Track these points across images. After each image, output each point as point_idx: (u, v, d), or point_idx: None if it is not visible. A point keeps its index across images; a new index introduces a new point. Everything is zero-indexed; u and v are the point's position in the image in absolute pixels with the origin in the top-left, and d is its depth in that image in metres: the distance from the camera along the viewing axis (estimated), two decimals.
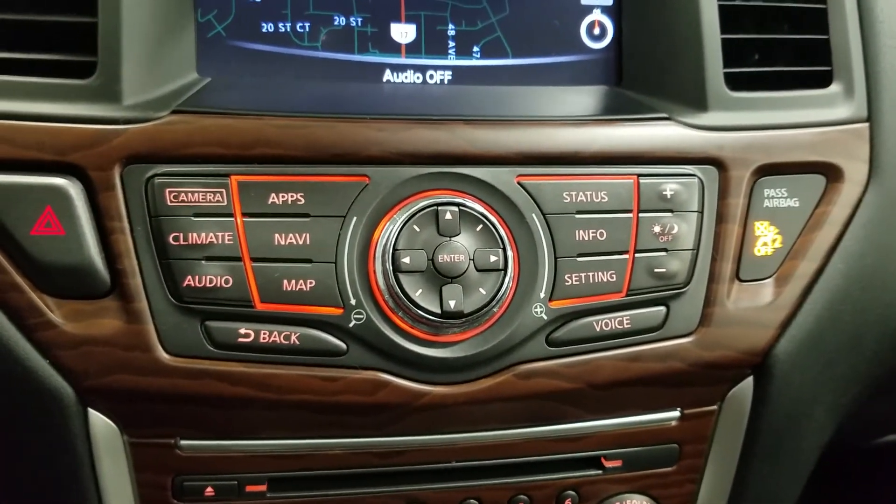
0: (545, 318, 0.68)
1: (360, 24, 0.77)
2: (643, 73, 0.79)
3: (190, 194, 0.63)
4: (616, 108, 0.76)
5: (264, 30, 0.76)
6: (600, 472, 0.75)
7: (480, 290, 0.66)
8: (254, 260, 0.63)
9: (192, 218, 0.62)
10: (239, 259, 0.63)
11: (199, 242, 0.62)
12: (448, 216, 0.66)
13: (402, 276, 0.64)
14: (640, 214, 0.70)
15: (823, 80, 0.77)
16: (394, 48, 0.79)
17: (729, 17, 0.75)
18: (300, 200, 0.64)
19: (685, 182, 0.71)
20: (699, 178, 0.72)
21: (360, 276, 0.65)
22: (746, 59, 0.77)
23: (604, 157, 0.70)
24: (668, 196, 0.71)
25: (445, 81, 0.79)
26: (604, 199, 0.69)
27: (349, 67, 0.77)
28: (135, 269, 0.62)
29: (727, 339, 0.72)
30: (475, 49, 0.80)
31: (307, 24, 0.76)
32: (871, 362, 0.81)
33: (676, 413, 0.75)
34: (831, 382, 0.79)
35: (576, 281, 0.68)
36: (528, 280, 0.67)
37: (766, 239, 0.75)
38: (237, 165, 0.64)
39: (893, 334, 0.80)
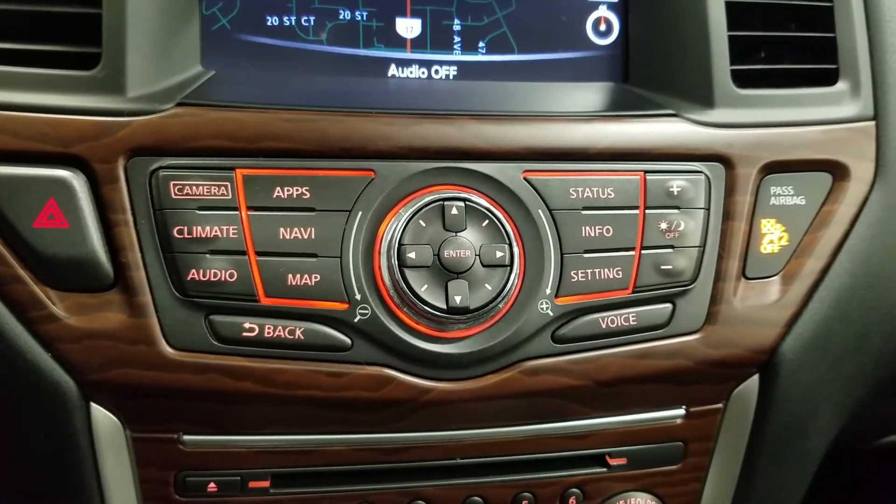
0: (551, 314, 0.67)
1: (365, 18, 0.77)
2: (650, 69, 0.79)
3: (194, 187, 0.62)
4: (623, 105, 0.76)
5: (269, 23, 0.75)
6: (605, 469, 0.74)
7: (486, 285, 0.65)
8: (258, 254, 0.62)
9: (197, 211, 0.62)
10: (244, 253, 0.62)
11: (203, 236, 0.62)
12: (454, 211, 0.65)
13: (407, 272, 0.64)
14: (647, 211, 0.69)
15: (830, 78, 0.77)
16: (399, 43, 0.78)
17: (736, 15, 0.74)
18: (305, 194, 0.64)
19: (692, 179, 0.71)
20: (706, 174, 0.71)
21: (365, 271, 0.64)
22: (753, 56, 0.77)
23: (610, 153, 0.70)
24: (675, 193, 0.70)
25: (451, 77, 0.79)
26: (610, 195, 0.69)
27: (354, 62, 0.77)
28: (138, 262, 0.61)
29: (733, 337, 0.71)
30: (481, 44, 0.79)
31: (312, 18, 0.76)
32: (877, 362, 0.81)
33: (682, 411, 0.74)
34: (837, 382, 0.79)
35: (582, 277, 0.68)
36: (534, 276, 0.67)
37: (773, 237, 0.75)
38: (242, 159, 0.63)
39: None
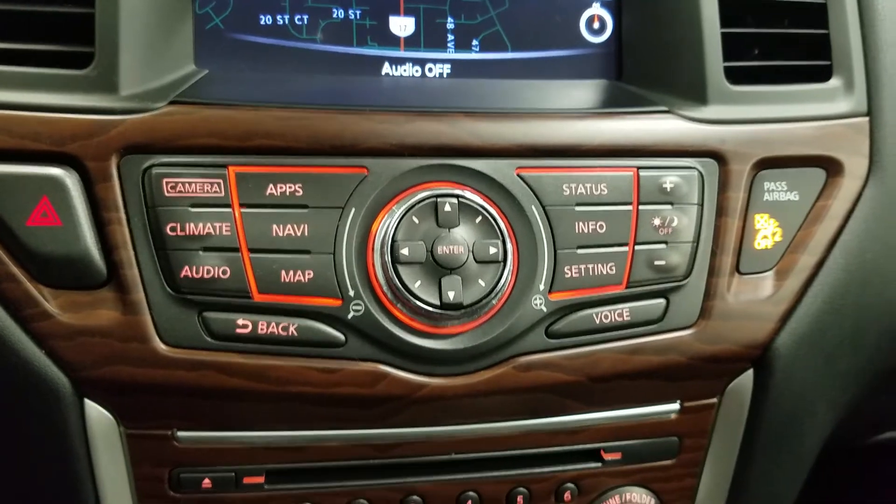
0: (545, 310, 0.67)
1: (358, 16, 0.77)
2: (643, 67, 0.79)
3: (187, 185, 0.62)
4: (616, 102, 0.76)
5: (262, 22, 0.75)
6: (599, 464, 0.74)
7: (480, 281, 0.65)
8: (251, 251, 0.63)
9: (190, 209, 0.62)
10: (237, 250, 0.62)
11: (196, 233, 0.62)
12: (447, 208, 0.66)
13: (400, 268, 0.64)
14: (640, 207, 0.70)
15: (823, 75, 0.77)
16: (392, 41, 0.78)
17: (729, 12, 0.75)
18: (298, 191, 0.64)
19: (685, 175, 0.71)
20: (699, 171, 0.71)
21: (358, 268, 0.64)
22: (747, 53, 0.77)
23: (604, 149, 0.70)
24: (668, 189, 0.70)
25: (444, 75, 0.79)
26: (603, 191, 0.69)
27: (347, 60, 0.77)
28: (132, 259, 0.61)
29: (727, 333, 0.71)
30: (474, 43, 0.79)
31: (305, 17, 0.76)
32: (871, 359, 0.81)
33: (676, 406, 0.74)
34: (832, 378, 0.79)
35: (575, 273, 0.68)
36: (528, 272, 0.67)
37: (767, 232, 0.75)
38: (235, 156, 0.63)
39: (894, 331, 0.80)
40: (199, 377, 0.62)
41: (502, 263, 0.66)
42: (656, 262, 0.70)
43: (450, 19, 0.79)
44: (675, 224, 0.70)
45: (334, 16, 0.77)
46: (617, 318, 0.69)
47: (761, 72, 0.76)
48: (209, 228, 0.62)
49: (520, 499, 0.74)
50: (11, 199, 0.61)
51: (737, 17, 0.75)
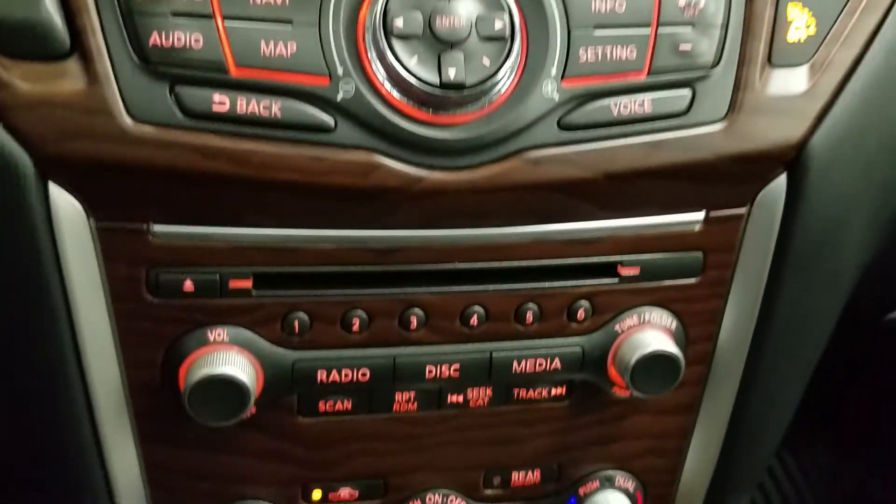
0: (557, 98, 0.60)
1: None
2: None
3: None
4: None
5: None
6: (616, 280, 0.68)
7: (484, 60, 0.58)
8: (226, 17, 0.55)
9: None
10: (210, 16, 0.55)
11: None
12: None
13: (394, 41, 0.57)
14: None
15: None
16: None
17: None
18: None
19: None
20: None
21: (347, 41, 0.57)
22: None
23: None
24: None
25: None
26: None
27: None
28: (96, 25, 0.55)
29: (758, 129, 0.64)
30: None
31: None
32: None
33: (701, 215, 0.68)
34: (871, 189, 0.71)
35: (591, 57, 0.61)
36: (538, 54, 0.60)
37: (800, 23, 0.66)
38: None
39: None
40: (172, 157, 0.56)
41: (509, 41, 0.58)
42: (682, 47, 0.62)
43: None
44: (702, 5, 0.62)
45: None
46: (637, 108, 0.62)
47: None
48: None
49: (529, 315, 0.68)
50: None
51: None
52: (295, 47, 0.57)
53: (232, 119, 0.57)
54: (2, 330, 0.62)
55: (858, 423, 1.26)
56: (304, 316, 0.65)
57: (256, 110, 0.57)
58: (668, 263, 0.69)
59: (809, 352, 0.78)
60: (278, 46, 0.56)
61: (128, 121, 0.56)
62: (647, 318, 0.70)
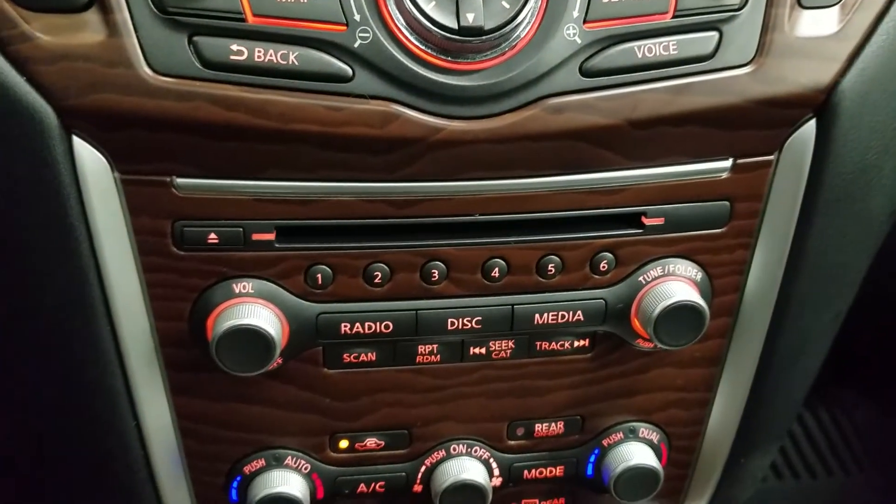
0: (579, 41, 0.59)
1: None
2: None
3: None
4: None
5: None
6: (640, 231, 0.67)
7: (503, 2, 0.57)
8: None
9: None
10: None
11: None
12: None
13: None
14: None
15: None
16: None
17: None
18: None
19: None
20: None
21: None
22: None
23: None
24: None
25: None
26: None
27: None
28: None
29: (787, 72, 0.63)
30: None
31: None
32: None
33: (728, 163, 0.66)
34: None
35: None
36: None
37: None
38: None
39: None
40: (192, 109, 0.56)
41: None
42: None
43: None
44: None
45: None
46: (662, 52, 0.61)
47: None
48: None
49: (551, 267, 0.68)
50: None
51: None
52: None
53: (250, 69, 0.57)
54: (32, 283, 0.63)
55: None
56: (326, 269, 0.65)
57: (274, 59, 0.57)
58: (693, 213, 0.68)
59: (839, 302, 0.76)
60: None
61: (148, 72, 0.56)
62: (671, 269, 0.69)
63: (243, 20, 0.56)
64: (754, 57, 0.62)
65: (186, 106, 0.57)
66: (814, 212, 0.69)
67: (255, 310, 0.64)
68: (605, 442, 0.78)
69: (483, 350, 0.71)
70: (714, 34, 0.62)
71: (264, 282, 0.65)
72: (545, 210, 0.66)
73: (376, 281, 0.66)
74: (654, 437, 0.79)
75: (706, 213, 0.68)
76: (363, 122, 0.59)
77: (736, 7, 0.61)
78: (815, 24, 0.64)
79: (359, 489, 0.76)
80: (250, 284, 0.65)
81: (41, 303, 0.64)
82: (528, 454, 0.77)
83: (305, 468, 0.74)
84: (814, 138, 0.66)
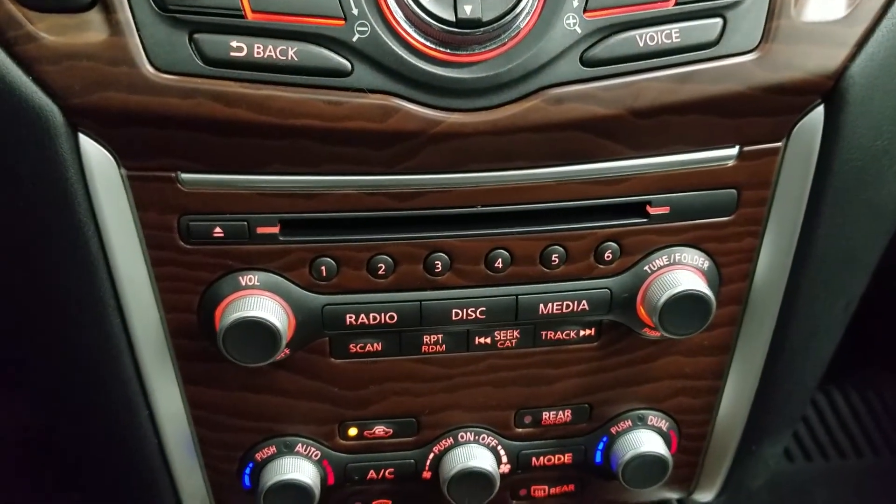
0: (579, 31, 0.59)
1: None
2: None
3: None
4: None
5: None
6: (645, 220, 0.67)
7: None
8: None
9: None
10: None
11: None
12: None
13: None
14: None
15: None
16: None
17: None
18: None
19: None
20: None
21: None
22: None
23: None
24: None
25: None
26: None
27: None
28: None
29: (794, 58, 0.62)
30: None
31: None
32: None
33: (734, 151, 0.65)
34: None
35: None
36: None
37: None
38: None
39: None
40: (195, 106, 0.57)
41: None
42: None
43: None
44: None
45: None
46: (664, 40, 0.60)
47: None
48: None
49: (555, 258, 0.68)
50: None
51: None
52: None
53: (250, 65, 0.58)
54: (43, 278, 0.65)
55: None
56: (330, 261, 0.66)
57: (273, 55, 0.57)
58: (699, 202, 0.67)
59: (851, 289, 0.75)
60: None
61: (150, 70, 0.57)
62: (677, 258, 0.69)
63: (242, 16, 0.57)
64: (760, 43, 0.61)
65: (189, 103, 0.57)
66: (823, 199, 0.68)
67: (261, 302, 0.65)
68: (613, 430, 0.78)
69: (488, 340, 0.72)
70: (718, 21, 0.61)
71: (270, 274, 0.66)
72: (548, 200, 0.66)
73: (380, 273, 0.67)
74: (664, 424, 0.79)
75: (713, 201, 0.68)
76: (363, 116, 0.59)
77: None
78: (823, 9, 0.62)
79: (368, 475, 0.77)
80: (256, 277, 0.66)
81: (53, 297, 0.65)
82: (537, 442, 0.78)
83: (316, 455, 0.75)
84: (822, 125, 0.65)
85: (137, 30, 0.57)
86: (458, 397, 0.75)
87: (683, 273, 0.68)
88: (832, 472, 1.28)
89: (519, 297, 0.68)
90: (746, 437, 0.82)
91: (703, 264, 0.70)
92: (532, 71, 0.59)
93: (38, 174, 0.60)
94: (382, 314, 0.68)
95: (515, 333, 0.72)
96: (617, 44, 0.60)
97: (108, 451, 0.76)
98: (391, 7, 0.57)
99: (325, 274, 0.66)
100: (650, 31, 0.60)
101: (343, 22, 0.57)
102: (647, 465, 0.77)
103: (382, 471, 0.77)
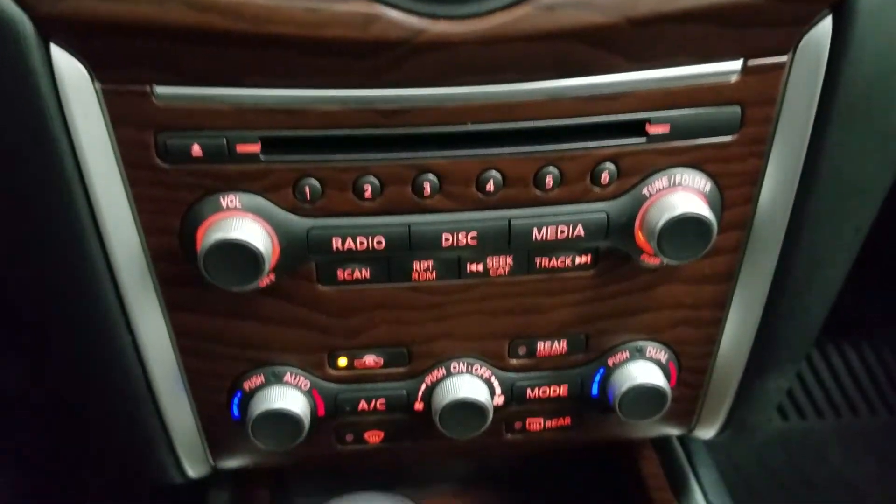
0: None
1: None
2: None
3: None
4: None
5: None
6: (643, 139, 0.64)
7: None
8: None
9: None
10: None
11: None
12: None
13: None
14: None
15: None
16: None
17: None
18: None
19: None
20: None
21: None
22: None
23: None
24: None
25: None
26: None
27: None
28: None
29: None
30: None
31: None
32: None
33: (738, 64, 0.62)
34: None
35: None
36: None
37: None
38: None
39: None
40: (165, 12, 0.54)
41: None
42: None
43: None
44: None
45: None
46: None
47: None
48: None
49: (549, 179, 0.65)
50: None
51: None
52: None
53: None
54: (14, 200, 0.63)
55: None
56: (315, 182, 0.64)
57: None
58: (701, 120, 0.64)
59: (859, 216, 0.72)
60: None
61: None
62: (677, 180, 0.66)
63: None
64: None
65: (159, 9, 0.55)
66: (831, 119, 0.64)
67: (243, 223, 0.63)
68: (610, 361, 0.76)
69: (480, 267, 0.70)
70: None
71: (252, 195, 0.64)
72: (541, 118, 0.63)
73: (367, 195, 0.65)
74: (663, 356, 0.77)
75: (715, 119, 0.64)
76: (342, 23, 0.56)
77: None
78: None
79: (360, 406, 0.76)
80: (238, 198, 0.63)
81: (27, 219, 0.63)
82: (531, 373, 0.77)
83: (305, 385, 0.74)
84: (830, 37, 0.61)
85: None
86: (449, 327, 0.73)
87: (684, 195, 0.65)
88: (845, 430, 1.27)
89: (512, 220, 0.66)
90: (750, 371, 0.79)
91: (704, 187, 0.67)
92: None
93: (8, 87, 0.57)
94: (370, 238, 0.66)
95: (508, 260, 0.69)
96: None
97: (93, 384, 0.74)
98: None
99: (309, 196, 0.64)
100: None
101: None
102: (645, 398, 0.75)
103: (374, 402, 0.76)
